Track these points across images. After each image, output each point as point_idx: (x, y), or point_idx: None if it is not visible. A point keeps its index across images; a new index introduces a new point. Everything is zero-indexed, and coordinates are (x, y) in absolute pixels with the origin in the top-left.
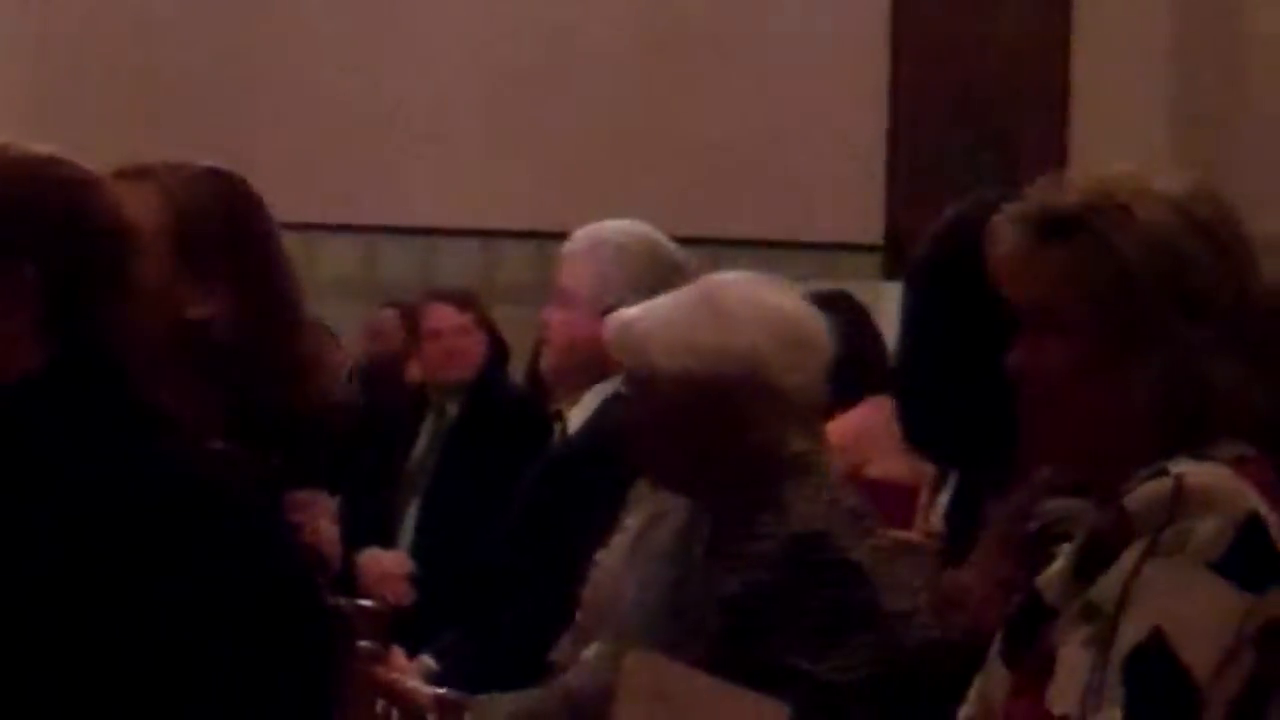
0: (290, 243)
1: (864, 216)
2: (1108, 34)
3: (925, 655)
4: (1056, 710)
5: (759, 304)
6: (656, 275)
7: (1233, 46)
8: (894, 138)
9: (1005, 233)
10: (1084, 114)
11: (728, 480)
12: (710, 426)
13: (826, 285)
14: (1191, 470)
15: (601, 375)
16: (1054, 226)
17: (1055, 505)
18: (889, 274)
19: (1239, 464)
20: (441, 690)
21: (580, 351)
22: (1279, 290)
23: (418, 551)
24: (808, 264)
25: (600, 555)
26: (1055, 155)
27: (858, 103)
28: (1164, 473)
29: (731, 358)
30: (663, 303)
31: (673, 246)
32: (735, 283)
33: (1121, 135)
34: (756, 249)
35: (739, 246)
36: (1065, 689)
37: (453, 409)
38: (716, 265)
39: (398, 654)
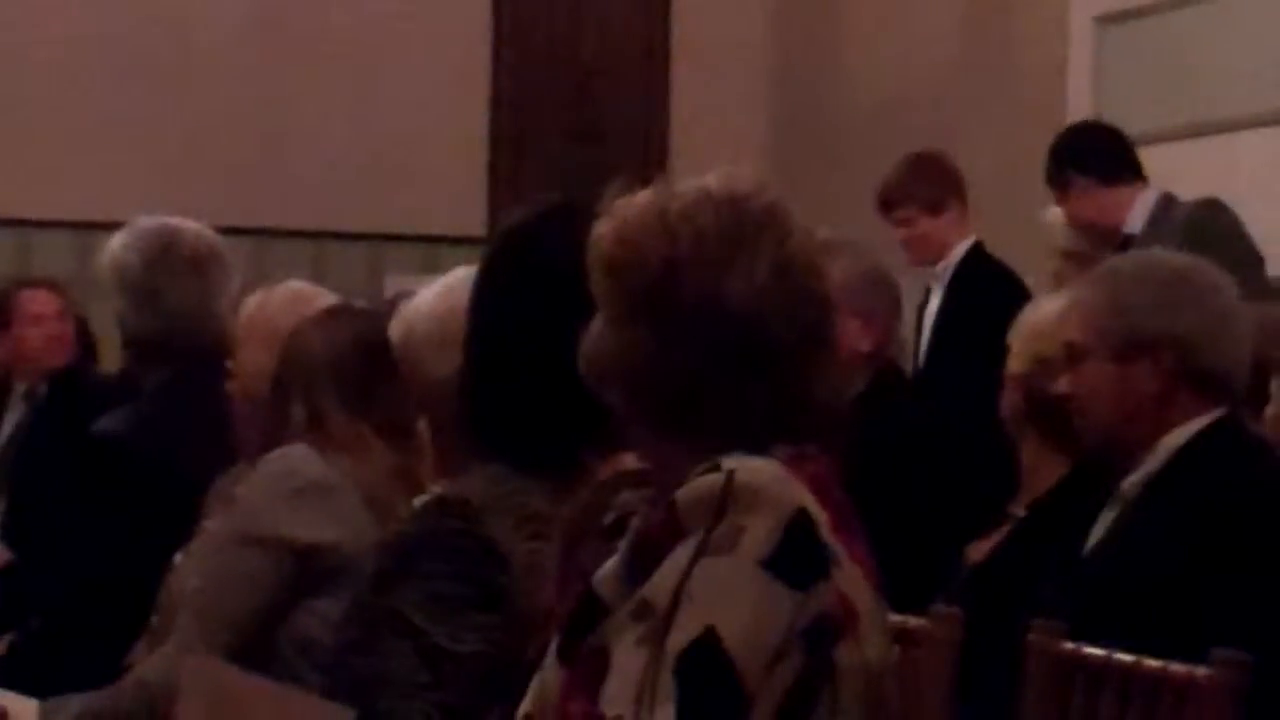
0: None
1: (468, 210)
2: (706, 28)
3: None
4: (610, 711)
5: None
6: (172, 267)
7: (829, 46)
8: (496, 131)
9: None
10: (684, 107)
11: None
12: None
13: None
14: (743, 466)
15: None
16: None
17: (627, 498)
18: None
19: (796, 460)
20: None
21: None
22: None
23: (8, 538)
24: (413, 257)
25: (178, 558)
26: (655, 148)
27: (461, 96)
28: (716, 468)
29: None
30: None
31: (202, 237)
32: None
33: (719, 128)
34: (365, 242)
35: (347, 240)
36: (618, 690)
37: (44, 394)
38: (324, 258)
39: None
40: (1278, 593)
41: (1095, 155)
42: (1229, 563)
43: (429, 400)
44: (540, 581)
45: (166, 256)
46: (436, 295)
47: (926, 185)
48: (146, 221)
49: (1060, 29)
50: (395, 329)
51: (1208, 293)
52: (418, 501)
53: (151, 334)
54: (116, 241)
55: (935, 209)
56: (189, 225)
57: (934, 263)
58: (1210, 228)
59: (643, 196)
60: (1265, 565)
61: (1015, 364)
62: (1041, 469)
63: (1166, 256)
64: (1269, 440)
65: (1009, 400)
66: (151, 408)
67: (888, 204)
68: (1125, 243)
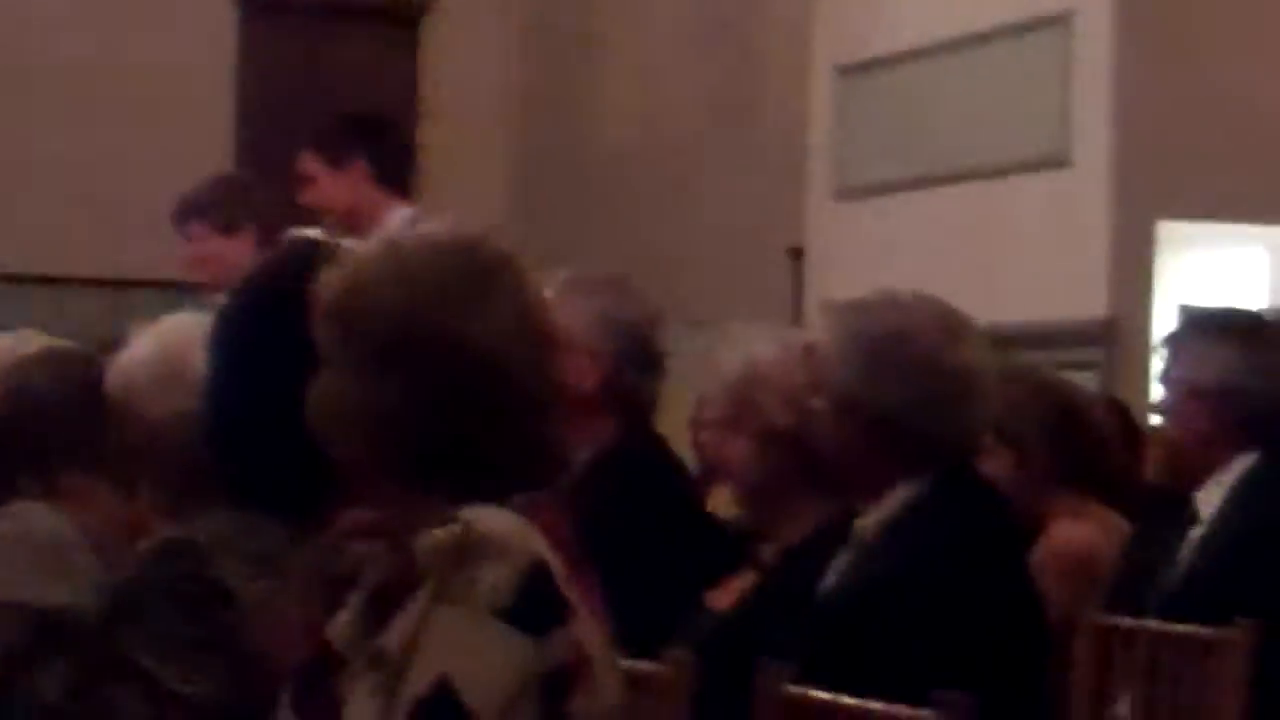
0: None
1: None
2: (456, 78)
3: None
4: None
5: (136, 345)
6: None
7: (578, 96)
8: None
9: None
10: (433, 158)
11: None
12: None
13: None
14: (479, 516)
15: None
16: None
17: (362, 548)
18: None
19: (531, 508)
20: None
21: None
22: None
23: None
24: (156, 303)
25: None
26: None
27: (205, 142)
28: (452, 518)
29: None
30: None
31: None
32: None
33: (468, 176)
34: (104, 288)
35: (84, 286)
36: None
37: None
38: (60, 305)
39: None
40: (998, 636)
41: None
42: (953, 608)
43: (149, 444)
44: (271, 622)
45: None
46: (150, 340)
47: (224, 204)
48: None
49: (802, 79)
50: (112, 377)
51: (922, 357)
52: (143, 545)
53: None
54: None
55: (228, 229)
56: None
57: (222, 285)
58: None
59: (370, 245)
60: (986, 611)
61: (782, 418)
62: (805, 515)
63: (884, 316)
64: (1000, 490)
65: (769, 456)
66: None
67: (180, 216)
68: None
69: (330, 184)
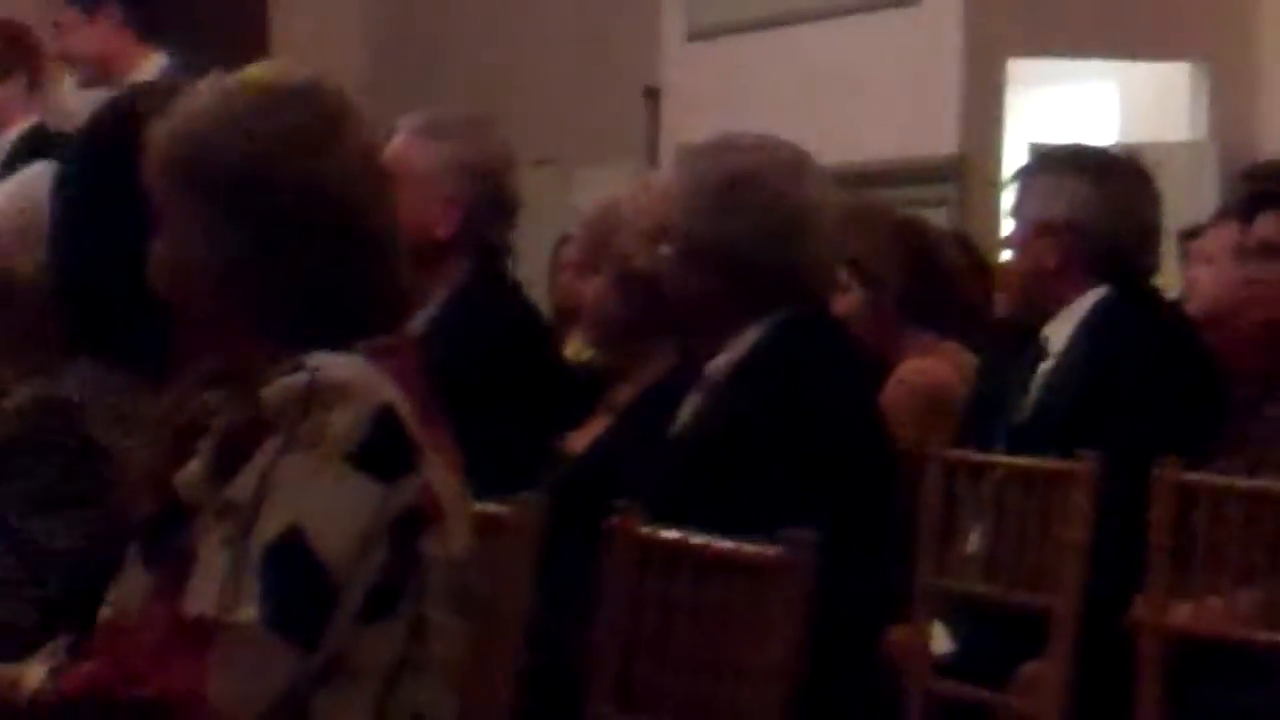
0: None
1: None
2: None
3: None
4: (193, 610)
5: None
6: None
7: None
8: None
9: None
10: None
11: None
12: None
13: None
14: (327, 363)
15: None
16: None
17: (207, 399)
18: None
19: (380, 353)
20: None
21: None
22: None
23: None
24: None
25: None
26: (257, 41)
27: None
28: (300, 366)
29: None
30: None
31: None
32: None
33: (318, 9)
34: None
35: None
36: (203, 589)
37: None
38: None
39: None
40: (846, 473)
41: None
42: (801, 445)
43: (7, 296)
44: (135, 477)
45: None
46: (8, 189)
47: None
48: None
49: None
50: None
51: (766, 197)
52: (10, 402)
53: None
54: None
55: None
56: None
57: None
58: None
59: (200, 94)
60: (834, 448)
61: (640, 259)
62: (659, 357)
63: (726, 159)
64: (849, 328)
65: (625, 297)
66: None
67: None
68: None
69: (81, 32)
